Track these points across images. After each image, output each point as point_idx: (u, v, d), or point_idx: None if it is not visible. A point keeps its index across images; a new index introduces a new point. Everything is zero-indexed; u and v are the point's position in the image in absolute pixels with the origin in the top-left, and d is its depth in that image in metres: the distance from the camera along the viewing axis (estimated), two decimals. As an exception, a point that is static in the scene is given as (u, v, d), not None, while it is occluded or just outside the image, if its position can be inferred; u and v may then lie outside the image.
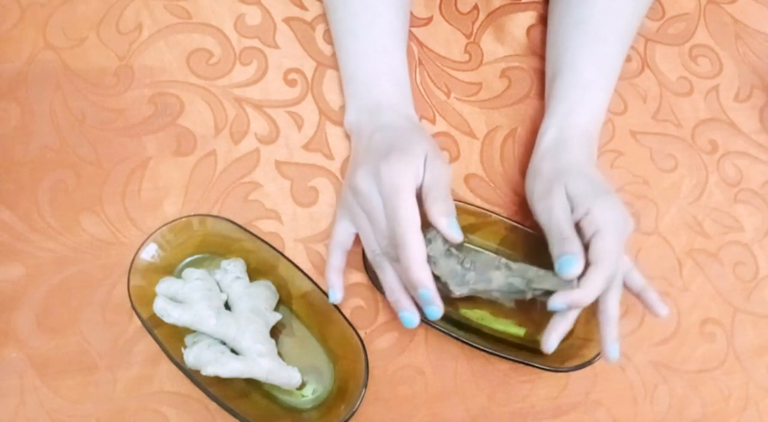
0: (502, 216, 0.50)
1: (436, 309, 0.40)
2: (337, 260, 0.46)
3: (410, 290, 0.42)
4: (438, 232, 0.42)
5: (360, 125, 0.49)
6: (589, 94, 0.50)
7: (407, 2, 0.53)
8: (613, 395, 0.48)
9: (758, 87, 0.58)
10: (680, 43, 0.59)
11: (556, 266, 0.41)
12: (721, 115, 0.57)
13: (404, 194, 0.40)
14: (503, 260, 0.43)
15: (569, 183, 0.44)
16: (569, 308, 0.41)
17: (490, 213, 0.49)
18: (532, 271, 0.43)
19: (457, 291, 0.42)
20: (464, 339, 0.45)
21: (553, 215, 0.43)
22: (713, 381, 0.49)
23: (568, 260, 0.41)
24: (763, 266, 0.53)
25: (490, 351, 0.45)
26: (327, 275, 0.45)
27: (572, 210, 0.43)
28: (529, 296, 0.43)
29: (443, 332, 0.45)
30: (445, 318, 0.47)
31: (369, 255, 0.44)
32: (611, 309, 0.42)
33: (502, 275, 0.43)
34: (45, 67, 0.52)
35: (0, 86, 0.51)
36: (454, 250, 0.43)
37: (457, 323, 0.48)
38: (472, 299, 0.47)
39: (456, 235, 0.41)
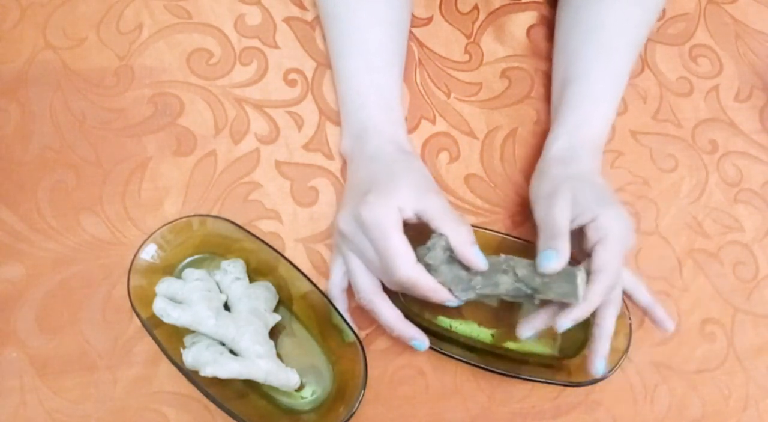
0: (487, 229, 0.49)
1: (459, 301, 0.42)
2: (341, 304, 0.45)
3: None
4: (438, 239, 0.41)
5: (352, 153, 0.48)
6: (600, 107, 0.50)
7: (403, 19, 0.52)
8: (613, 395, 0.48)
9: (758, 87, 0.58)
10: (680, 43, 0.59)
11: (538, 257, 0.41)
12: (721, 115, 0.57)
13: (391, 232, 0.40)
14: (511, 262, 0.42)
15: (577, 188, 0.44)
16: (575, 323, 0.41)
17: (476, 228, 0.49)
18: (538, 278, 0.41)
19: (463, 297, 0.42)
20: (478, 363, 0.45)
21: (551, 213, 0.43)
22: (713, 381, 0.49)
23: (549, 254, 0.41)
24: (763, 266, 0.52)
25: (504, 372, 0.45)
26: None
27: (575, 217, 0.43)
28: (536, 302, 0.42)
29: (455, 358, 0.45)
30: (454, 341, 0.47)
31: (358, 297, 0.44)
32: (607, 325, 0.43)
33: (509, 280, 0.42)
34: (45, 67, 0.52)
35: (0, 86, 0.51)
36: (455, 255, 0.42)
37: (469, 346, 0.47)
38: (487, 319, 0.48)
39: (483, 263, 0.41)
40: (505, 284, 0.42)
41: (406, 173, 0.44)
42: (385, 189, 0.42)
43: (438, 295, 0.41)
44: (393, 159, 0.46)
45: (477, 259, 0.41)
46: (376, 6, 0.50)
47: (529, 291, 0.42)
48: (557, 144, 0.49)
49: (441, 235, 0.41)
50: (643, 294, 0.46)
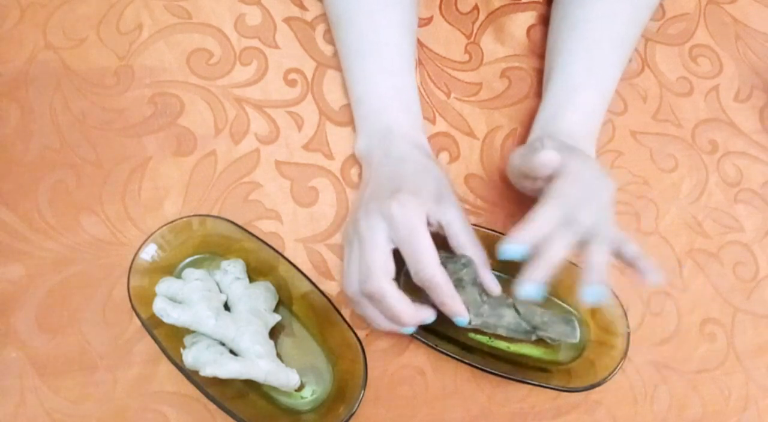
0: (487, 229, 0.49)
1: (465, 320, 0.42)
2: (396, 293, 0.43)
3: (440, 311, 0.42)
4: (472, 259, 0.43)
5: (370, 153, 0.48)
6: (577, 96, 0.49)
7: (414, 22, 0.53)
8: (613, 395, 0.48)
9: (758, 87, 0.58)
10: (680, 43, 0.59)
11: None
12: (721, 115, 0.57)
13: (420, 230, 0.40)
14: (511, 300, 0.44)
15: (547, 140, 0.45)
16: (526, 250, 0.39)
17: (476, 228, 0.49)
18: (538, 317, 0.44)
19: (473, 321, 0.42)
20: (477, 365, 0.45)
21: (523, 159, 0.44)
22: (713, 381, 0.49)
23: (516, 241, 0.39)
24: (763, 266, 0.52)
25: (504, 375, 0.45)
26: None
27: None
28: (533, 338, 0.44)
29: (455, 358, 0.45)
30: (453, 340, 0.47)
31: (348, 292, 0.43)
32: (593, 259, 0.40)
33: (512, 314, 0.44)
34: (45, 67, 0.52)
35: (0, 86, 0.51)
36: (478, 280, 0.43)
37: (467, 346, 0.47)
38: None
39: (498, 287, 0.43)
40: (508, 317, 0.44)
41: (433, 181, 0.44)
42: (417, 191, 0.42)
43: (454, 303, 0.41)
44: (421, 163, 0.46)
45: (493, 283, 0.43)
46: (391, 8, 0.50)
47: (529, 328, 0.44)
48: (531, 137, 0.50)
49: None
50: (629, 247, 0.42)
